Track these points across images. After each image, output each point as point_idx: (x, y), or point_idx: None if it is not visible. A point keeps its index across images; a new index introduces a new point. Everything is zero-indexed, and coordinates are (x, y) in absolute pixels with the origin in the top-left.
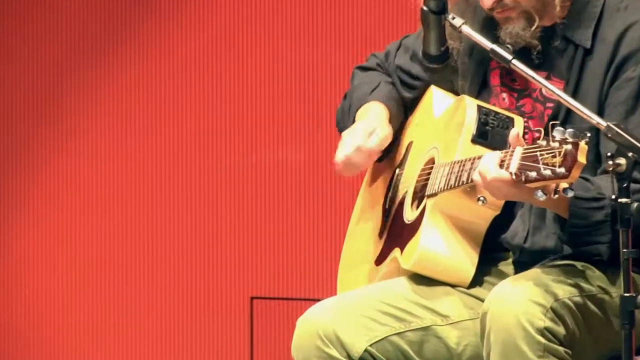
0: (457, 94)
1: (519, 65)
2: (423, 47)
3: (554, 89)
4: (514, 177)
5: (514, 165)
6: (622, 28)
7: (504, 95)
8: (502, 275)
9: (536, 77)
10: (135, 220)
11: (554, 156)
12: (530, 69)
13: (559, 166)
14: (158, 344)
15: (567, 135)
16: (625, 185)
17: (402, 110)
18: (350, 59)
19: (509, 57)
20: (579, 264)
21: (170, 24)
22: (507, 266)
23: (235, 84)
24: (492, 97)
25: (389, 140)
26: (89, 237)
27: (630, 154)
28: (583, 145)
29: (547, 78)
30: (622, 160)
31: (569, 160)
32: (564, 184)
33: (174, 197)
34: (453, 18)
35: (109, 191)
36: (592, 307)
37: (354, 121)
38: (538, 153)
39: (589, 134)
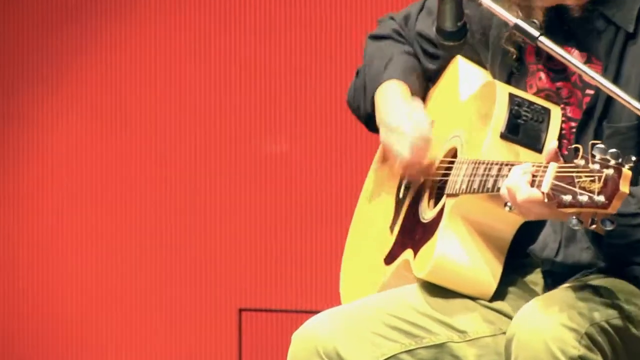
0: (486, 68)
1: (547, 44)
2: (437, 22)
3: (591, 73)
4: (545, 198)
5: (546, 185)
6: None
7: (541, 74)
8: (529, 287)
9: (567, 57)
10: (121, 231)
11: (593, 181)
12: (564, 47)
13: (598, 193)
14: (144, 358)
15: (608, 157)
16: None
17: (425, 83)
18: (336, 47)
19: (535, 33)
20: (618, 280)
21: (157, 13)
22: (535, 275)
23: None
24: (529, 76)
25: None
26: (73, 248)
27: None
28: (627, 171)
29: (588, 61)
30: None
31: (610, 188)
32: (602, 214)
33: (159, 206)
34: None
35: (91, 200)
36: (634, 330)
37: (372, 105)
38: (575, 174)
39: (634, 158)
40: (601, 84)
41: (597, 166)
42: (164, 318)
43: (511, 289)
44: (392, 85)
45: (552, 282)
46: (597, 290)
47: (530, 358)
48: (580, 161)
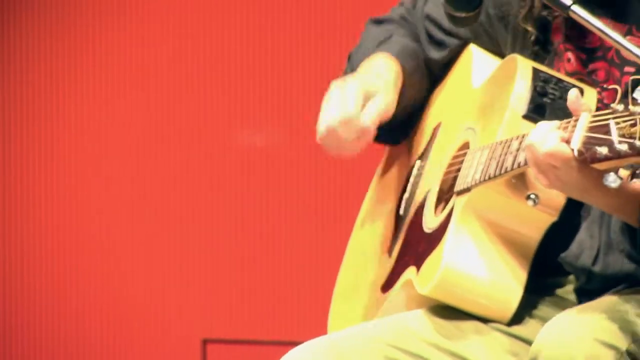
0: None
1: (580, 14)
2: None
3: (634, 49)
4: (576, 153)
5: (577, 139)
6: None
7: (569, 55)
8: (559, 308)
9: (605, 30)
10: (87, 260)
11: (634, 125)
12: (600, 17)
13: None
14: None
15: None
16: None
17: (425, 75)
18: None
19: (567, 1)
20: None
21: (139, 11)
22: (566, 295)
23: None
24: (556, 59)
25: (390, 112)
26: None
27: None
28: None
29: (628, 33)
30: None
31: None
32: None
33: (123, 231)
34: None
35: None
36: None
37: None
38: (612, 121)
39: None
40: None
41: (638, 108)
42: (121, 349)
43: (536, 312)
44: (380, 57)
45: (587, 300)
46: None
47: None
48: (618, 106)
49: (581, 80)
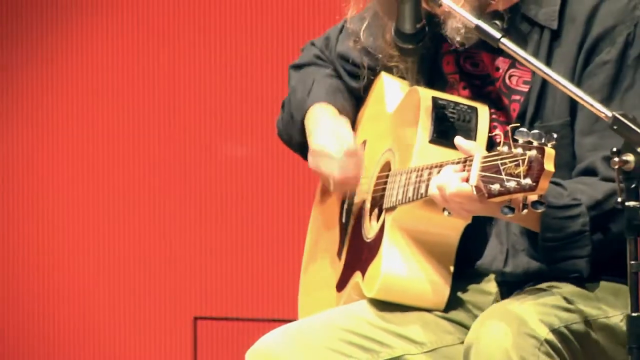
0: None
1: (508, 45)
2: (396, 23)
3: (547, 71)
4: (474, 191)
5: (473, 177)
6: (594, 3)
7: (463, 84)
8: (484, 295)
9: (532, 60)
10: (79, 240)
11: (518, 165)
12: (490, 54)
13: (524, 176)
14: None
15: (530, 138)
16: (634, 185)
17: (352, 101)
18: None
19: (497, 35)
20: (577, 283)
21: (130, 16)
22: (489, 283)
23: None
24: (447, 88)
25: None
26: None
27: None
28: (550, 150)
29: (512, 67)
30: (630, 157)
31: (535, 169)
32: (532, 197)
33: (113, 210)
34: None
35: (52, 205)
36: (593, 334)
37: (302, 133)
38: (499, 162)
39: (555, 135)
40: (560, 83)
41: (519, 150)
42: (118, 326)
43: (466, 298)
44: (318, 109)
45: (506, 290)
46: (555, 296)
47: None
48: (503, 148)
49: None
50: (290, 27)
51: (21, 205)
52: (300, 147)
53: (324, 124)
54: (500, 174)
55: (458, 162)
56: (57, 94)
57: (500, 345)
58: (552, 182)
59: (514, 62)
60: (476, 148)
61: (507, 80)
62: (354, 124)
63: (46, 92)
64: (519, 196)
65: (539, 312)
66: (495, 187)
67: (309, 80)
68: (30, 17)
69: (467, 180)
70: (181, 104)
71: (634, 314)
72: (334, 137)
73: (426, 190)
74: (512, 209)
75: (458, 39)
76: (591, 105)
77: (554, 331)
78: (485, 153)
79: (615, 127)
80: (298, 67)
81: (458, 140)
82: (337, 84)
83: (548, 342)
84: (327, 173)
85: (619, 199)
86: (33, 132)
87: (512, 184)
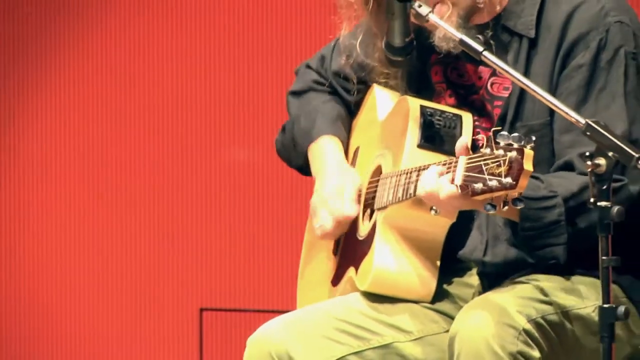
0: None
1: (490, 58)
2: (387, 37)
3: (525, 81)
4: (459, 190)
5: (458, 177)
6: (569, 10)
7: (449, 92)
8: (468, 287)
9: (510, 71)
10: (85, 233)
11: (499, 165)
12: (473, 65)
13: (505, 176)
14: (104, 356)
15: (511, 141)
16: (605, 187)
17: (346, 117)
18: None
19: (479, 48)
20: (553, 277)
21: (131, 21)
22: (472, 277)
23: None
24: (435, 96)
25: (359, 182)
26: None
27: (610, 154)
28: (528, 151)
29: (492, 75)
30: (601, 161)
31: (515, 169)
32: (513, 194)
33: (120, 204)
34: (419, 6)
35: (56, 200)
36: (568, 325)
37: (306, 159)
38: (482, 163)
39: (534, 138)
40: (539, 93)
41: (501, 151)
42: (125, 317)
43: (451, 290)
44: (324, 142)
45: (488, 283)
46: (533, 288)
47: (472, 354)
48: (485, 150)
49: (461, 107)
50: (292, 35)
51: (33, 204)
52: (299, 168)
53: (333, 172)
54: (483, 174)
55: (444, 164)
56: (56, 95)
57: (482, 334)
58: (530, 176)
59: (494, 70)
60: (463, 152)
61: (489, 88)
62: (348, 132)
63: (47, 93)
64: (501, 194)
65: (517, 304)
66: (479, 186)
67: (312, 108)
68: (30, 18)
69: (452, 181)
70: (185, 104)
71: (605, 305)
72: (340, 196)
73: (415, 191)
74: (494, 206)
75: (446, 47)
76: (566, 113)
77: (532, 321)
78: (470, 155)
79: (588, 133)
80: (297, 94)
81: (461, 141)
82: (338, 110)
83: (526, 331)
84: (321, 221)
85: (592, 200)
86: (35, 133)
87: (494, 183)
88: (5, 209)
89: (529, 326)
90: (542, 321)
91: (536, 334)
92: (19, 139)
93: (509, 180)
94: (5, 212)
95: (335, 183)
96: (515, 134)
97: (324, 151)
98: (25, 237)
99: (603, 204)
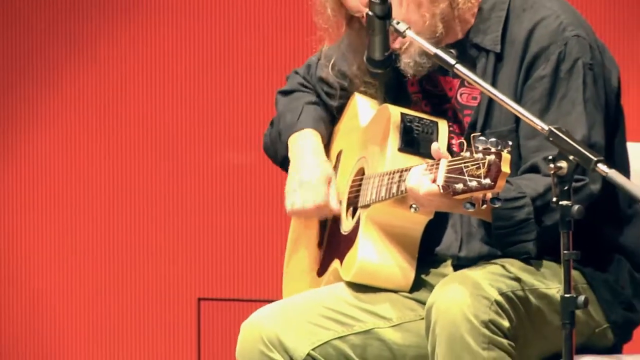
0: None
1: (462, 70)
2: (367, 52)
3: (493, 91)
4: (441, 190)
5: (440, 178)
6: (530, 26)
7: (425, 102)
8: (443, 277)
9: (480, 82)
10: (82, 223)
11: (479, 167)
12: (443, 77)
13: (484, 177)
14: (103, 346)
15: (489, 145)
16: (566, 188)
17: (329, 120)
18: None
19: (452, 61)
20: (519, 262)
21: (134, 25)
22: (447, 268)
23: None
24: (412, 105)
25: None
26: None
27: (571, 157)
28: (506, 154)
29: (461, 85)
30: (563, 164)
31: (494, 171)
32: (490, 194)
33: (120, 197)
34: (398, 23)
35: (54, 193)
36: (534, 301)
37: (286, 148)
38: (463, 165)
39: (510, 142)
40: (507, 103)
41: (480, 155)
42: (124, 307)
43: (427, 280)
44: (307, 133)
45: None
46: (504, 267)
47: (448, 322)
48: (465, 153)
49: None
50: (286, 40)
51: (30, 201)
52: (283, 160)
53: (310, 158)
54: (464, 175)
55: (428, 166)
56: (54, 96)
57: (457, 304)
58: None
59: (462, 81)
60: (443, 155)
61: (459, 98)
62: (330, 136)
63: (45, 93)
64: (480, 194)
65: (490, 279)
66: (459, 186)
67: (298, 104)
68: (30, 19)
69: (434, 181)
70: (181, 107)
71: (566, 295)
72: (324, 180)
73: (397, 190)
74: (473, 205)
75: (410, 72)
76: (531, 120)
77: (503, 294)
78: (451, 158)
79: (551, 139)
80: (285, 93)
81: (434, 146)
82: (321, 112)
83: (497, 302)
84: (300, 200)
85: (554, 199)
86: (34, 133)
87: (473, 184)
88: (5, 209)
89: (500, 298)
90: (511, 295)
91: (506, 306)
92: (18, 139)
93: (487, 181)
94: (6, 212)
95: (321, 169)
96: (493, 139)
97: (307, 140)
98: (22, 231)
99: (565, 203)
